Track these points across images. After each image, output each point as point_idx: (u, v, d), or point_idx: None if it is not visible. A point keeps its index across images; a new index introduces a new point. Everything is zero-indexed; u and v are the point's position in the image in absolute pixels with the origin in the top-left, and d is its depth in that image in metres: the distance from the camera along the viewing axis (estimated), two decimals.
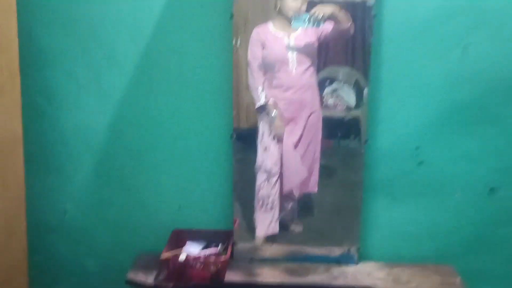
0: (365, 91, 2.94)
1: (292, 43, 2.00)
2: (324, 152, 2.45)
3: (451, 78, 1.94)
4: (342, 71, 3.49)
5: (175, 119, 2.07)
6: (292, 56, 1.97)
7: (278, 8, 1.99)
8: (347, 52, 3.78)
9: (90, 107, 2.07)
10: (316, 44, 2.05)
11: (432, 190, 2.11)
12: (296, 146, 2.04)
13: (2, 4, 1.79)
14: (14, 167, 2.07)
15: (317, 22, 1.86)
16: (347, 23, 1.87)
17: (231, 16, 1.84)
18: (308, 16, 1.85)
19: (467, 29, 1.93)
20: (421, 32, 1.93)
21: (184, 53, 1.97)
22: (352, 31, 1.92)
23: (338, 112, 2.89)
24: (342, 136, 3.44)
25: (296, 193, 2.07)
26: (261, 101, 2.00)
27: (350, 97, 3.05)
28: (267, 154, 2.03)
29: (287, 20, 1.98)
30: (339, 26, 1.92)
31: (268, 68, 2.03)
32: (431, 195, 2.11)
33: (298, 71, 2.00)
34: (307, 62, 2.01)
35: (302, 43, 2.01)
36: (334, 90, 3.13)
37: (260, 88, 1.98)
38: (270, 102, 1.99)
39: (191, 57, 1.98)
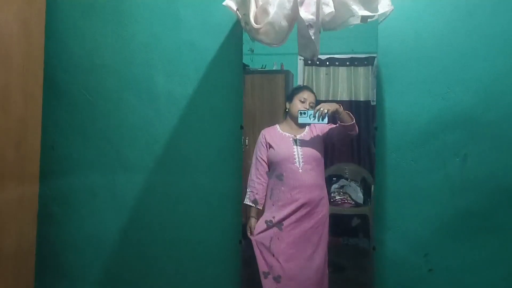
0: (373, 188, 2.98)
1: (298, 139, 2.06)
2: (333, 251, 2.44)
3: (453, 186, 1.98)
4: (348, 168, 3.56)
5: (186, 225, 2.12)
6: (298, 152, 2.04)
7: (287, 110, 2.14)
8: (353, 150, 3.87)
9: (103, 214, 2.14)
10: (322, 139, 2.11)
11: None
12: (303, 251, 2.03)
13: (29, 118, 1.94)
14: (25, 273, 2.12)
15: (322, 117, 1.97)
16: (350, 120, 1.97)
17: (241, 127, 1.95)
18: (313, 112, 1.92)
19: (466, 139, 2.00)
20: (422, 140, 2.00)
21: (196, 160, 2.07)
22: (356, 130, 1.98)
23: (346, 210, 2.91)
24: (351, 234, 3.44)
25: None
26: (245, 200, 2.07)
27: (357, 194, 3.08)
28: (273, 259, 2.03)
29: (294, 122, 2.08)
30: (343, 124, 1.98)
31: (274, 169, 2.03)
32: None
33: (305, 169, 2.04)
34: (314, 159, 2.07)
35: (308, 138, 2.05)
36: (341, 187, 3.18)
37: (253, 186, 2.06)
38: (251, 202, 2.05)
39: (203, 164, 2.08)
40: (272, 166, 2.09)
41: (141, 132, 2.04)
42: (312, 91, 2.14)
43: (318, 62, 3.37)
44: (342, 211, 2.90)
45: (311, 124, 2.06)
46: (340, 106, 1.96)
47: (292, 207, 2.03)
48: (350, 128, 1.99)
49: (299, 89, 2.15)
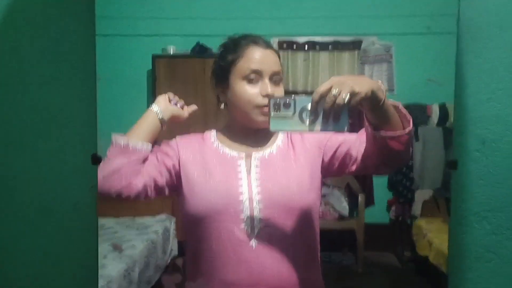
0: (360, 197, 2.53)
1: (256, 164, 0.84)
2: None
3: None
4: None
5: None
6: (252, 194, 0.80)
7: (230, 94, 0.83)
8: None
9: None
10: (319, 163, 0.85)
11: None
12: None
13: None
14: None
15: (336, 114, 0.65)
16: (401, 124, 0.73)
17: (96, 159, 0.78)
18: (313, 100, 0.66)
19: None
20: None
21: None
22: (410, 148, 0.76)
23: (329, 223, 2.45)
24: (334, 250, 2.99)
25: None
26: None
27: (341, 204, 2.63)
28: None
29: (245, 123, 0.84)
30: (384, 134, 0.72)
31: (192, 235, 0.84)
32: None
33: (266, 241, 0.79)
34: (293, 214, 0.81)
35: (280, 160, 0.84)
36: (323, 196, 2.72)
37: None
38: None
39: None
40: (188, 223, 0.84)
41: None
42: (269, 44, 0.86)
43: (295, 46, 2.88)
44: (324, 225, 2.43)
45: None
46: (380, 84, 0.68)
47: None
48: (401, 143, 0.73)
49: (237, 46, 0.84)
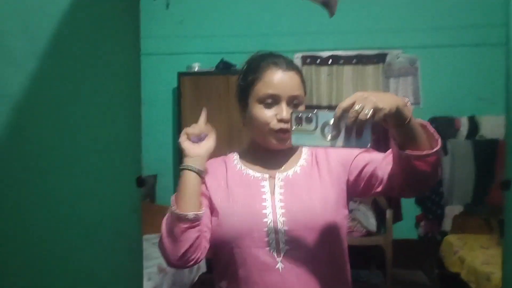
0: (387, 213, 2.48)
1: (280, 184, 0.82)
2: None
3: None
4: None
5: None
6: (276, 216, 0.78)
7: (248, 115, 0.82)
8: None
9: None
10: (344, 183, 0.82)
11: None
12: None
13: None
14: None
15: (359, 129, 0.64)
16: (429, 144, 0.70)
17: (140, 182, 0.67)
18: (334, 116, 0.64)
19: None
20: None
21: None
22: (439, 169, 0.74)
23: (356, 240, 2.40)
24: (362, 267, 2.92)
25: None
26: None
27: (368, 219, 2.57)
28: None
29: (263, 144, 0.82)
30: (409, 153, 0.68)
31: (218, 260, 0.82)
32: None
33: (292, 263, 0.76)
34: (317, 236, 0.77)
35: (304, 180, 0.83)
36: (349, 212, 2.68)
37: None
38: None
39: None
40: (213, 248, 0.81)
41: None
42: (291, 65, 0.82)
43: (318, 61, 2.86)
44: (350, 242, 2.39)
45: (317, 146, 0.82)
46: (406, 101, 0.66)
47: None
48: (428, 164, 0.69)
49: (258, 67, 0.82)
